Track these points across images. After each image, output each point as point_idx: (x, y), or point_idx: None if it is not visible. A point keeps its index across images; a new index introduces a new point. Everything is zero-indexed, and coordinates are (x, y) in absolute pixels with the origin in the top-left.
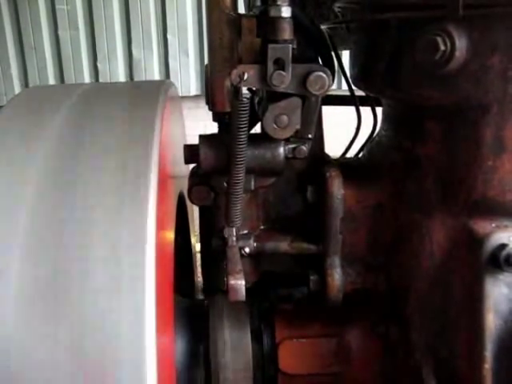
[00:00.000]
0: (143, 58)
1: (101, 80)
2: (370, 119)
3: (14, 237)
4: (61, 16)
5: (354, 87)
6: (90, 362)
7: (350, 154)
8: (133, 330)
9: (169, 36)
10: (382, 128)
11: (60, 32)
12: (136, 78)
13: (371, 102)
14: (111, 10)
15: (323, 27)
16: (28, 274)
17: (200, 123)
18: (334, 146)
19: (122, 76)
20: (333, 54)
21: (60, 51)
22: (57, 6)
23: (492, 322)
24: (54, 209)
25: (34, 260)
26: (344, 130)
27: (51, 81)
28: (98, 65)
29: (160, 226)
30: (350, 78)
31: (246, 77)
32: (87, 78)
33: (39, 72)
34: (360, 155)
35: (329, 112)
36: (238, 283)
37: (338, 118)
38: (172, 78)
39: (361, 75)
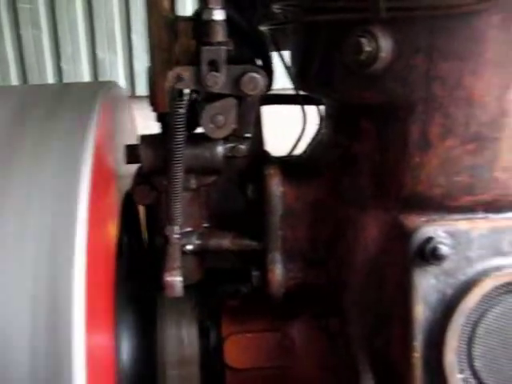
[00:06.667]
0: (108, 58)
1: (65, 81)
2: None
3: None
4: (23, 15)
5: None
6: None
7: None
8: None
9: (133, 36)
10: (322, 126)
11: (22, 32)
12: (101, 79)
13: (315, 101)
14: (74, 10)
15: (264, 28)
16: None
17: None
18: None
19: (86, 77)
20: (273, 54)
21: (22, 51)
22: (19, 5)
23: (421, 313)
24: None
25: None
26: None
27: (14, 81)
28: (63, 65)
29: (96, 222)
30: (290, 78)
31: (182, 78)
32: (51, 79)
33: (2, 72)
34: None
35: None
36: (174, 279)
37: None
38: (136, 78)
39: (298, 75)
